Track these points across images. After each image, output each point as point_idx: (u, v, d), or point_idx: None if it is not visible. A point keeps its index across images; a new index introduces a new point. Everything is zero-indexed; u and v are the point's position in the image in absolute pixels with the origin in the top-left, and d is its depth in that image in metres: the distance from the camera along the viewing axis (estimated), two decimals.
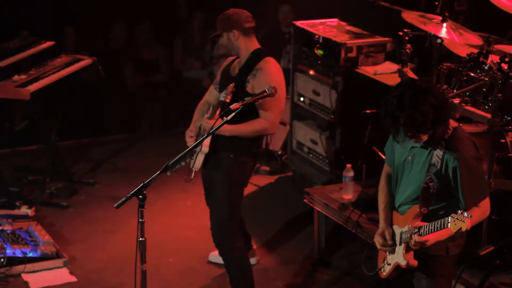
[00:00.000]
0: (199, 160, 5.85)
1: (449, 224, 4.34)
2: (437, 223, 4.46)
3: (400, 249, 4.72)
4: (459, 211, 4.32)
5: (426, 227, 4.53)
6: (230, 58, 6.14)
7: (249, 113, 5.74)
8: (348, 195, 6.50)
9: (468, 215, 4.27)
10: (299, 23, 8.27)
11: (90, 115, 9.40)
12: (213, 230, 5.97)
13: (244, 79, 5.84)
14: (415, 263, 4.69)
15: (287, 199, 7.94)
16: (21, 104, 7.71)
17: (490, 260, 5.78)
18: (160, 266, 6.65)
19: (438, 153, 4.59)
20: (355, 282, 6.45)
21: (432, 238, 4.54)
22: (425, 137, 4.58)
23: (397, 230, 4.76)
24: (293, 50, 8.32)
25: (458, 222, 4.29)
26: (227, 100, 5.73)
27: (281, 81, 5.89)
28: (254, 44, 5.97)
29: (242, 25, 5.90)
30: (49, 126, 8.15)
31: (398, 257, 4.73)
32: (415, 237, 4.54)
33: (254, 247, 6.76)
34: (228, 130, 5.73)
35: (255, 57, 5.90)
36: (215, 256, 6.59)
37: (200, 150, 5.82)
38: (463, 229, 4.28)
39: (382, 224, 4.85)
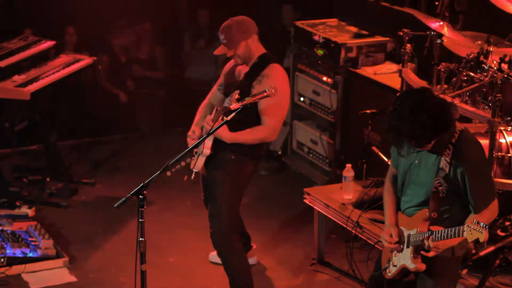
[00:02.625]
0: (200, 162, 5.84)
1: (464, 233, 4.36)
2: (451, 231, 4.47)
3: (407, 252, 4.72)
4: (475, 220, 4.33)
5: (438, 233, 4.53)
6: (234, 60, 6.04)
7: (251, 119, 5.72)
8: (348, 195, 6.50)
9: (484, 226, 4.29)
10: (299, 23, 8.28)
11: (90, 115, 9.40)
12: (212, 231, 5.97)
13: (249, 84, 5.81)
14: (423, 267, 4.69)
15: (287, 199, 7.94)
16: (21, 104, 7.71)
17: (490, 260, 5.78)
18: (160, 266, 6.65)
19: (446, 157, 4.59)
20: (355, 282, 6.44)
21: (444, 244, 4.57)
22: (429, 145, 4.58)
23: (405, 232, 4.76)
24: (293, 50, 8.32)
25: (475, 232, 4.31)
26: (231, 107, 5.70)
27: (286, 89, 5.87)
28: (262, 49, 5.93)
29: (256, 28, 5.85)
30: (49, 126, 8.14)
31: (405, 260, 4.73)
32: (430, 242, 4.55)
33: (254, 247, 6.76)
34: (230, 137, 5.72)
35: (262, 63, 5.84)
36: (215, 256, 6.58)
37: (202, 152, 5.80)
38: (481, 240, 4.30)
39: (388, 223, 4.85)
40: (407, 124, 4.44)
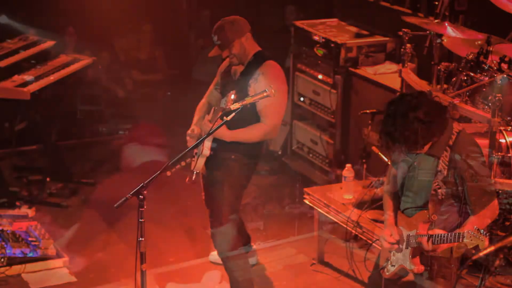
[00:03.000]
0: (200, 163, 5.83)
1: (465, 239, 4.37)
2: (451, 236, 4.48)
3: (406, 253, 4.72)
4: (475, 227, 4.34)
5: (438, 236, 4.54)
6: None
7: (250, 117, 5.72)
8: (348, 195, 6.50)
9: (485, 233, 4.31)
10: (299, 23, 8.28)
11: (90, 115, 9.39)
12: (212, 231, 5.97)
13: (246, 83, 5.80)
14: (421, 268, 4.69)
15: (287, 199, 7.94)
16: (21, 104, 7.72)
17: (490, 260, 5.77)
18: (160, 266, 6.65)
19: (444, 159, 4.59)
20: (355, 282, 6.44)
21: (442, 247, 4.58)
22: (423, 150, 4.58)
23: (404, 232, 4.76)
24: (293, 50, 8.32)
25: (475, 239, 4.33)
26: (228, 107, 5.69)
27: (283, 86, 5.86)
28: (256, 47, 5.92)
29: (249, 27, 5.84)
30: (49, 126, 8.14)
31: (404, 261, 4.73)
32: (429, 246, 4.56)
33: (254, 247, 6.76)
34: (229, 135, 5.72)
35: (257, 60, 5.83)
36: (215, 256, 6.59)
37: (201, 153, 5.79)
38: (481, 247, 4.31)
39: (388, 223, 4.85)
40: (399, 129, 4.44)
